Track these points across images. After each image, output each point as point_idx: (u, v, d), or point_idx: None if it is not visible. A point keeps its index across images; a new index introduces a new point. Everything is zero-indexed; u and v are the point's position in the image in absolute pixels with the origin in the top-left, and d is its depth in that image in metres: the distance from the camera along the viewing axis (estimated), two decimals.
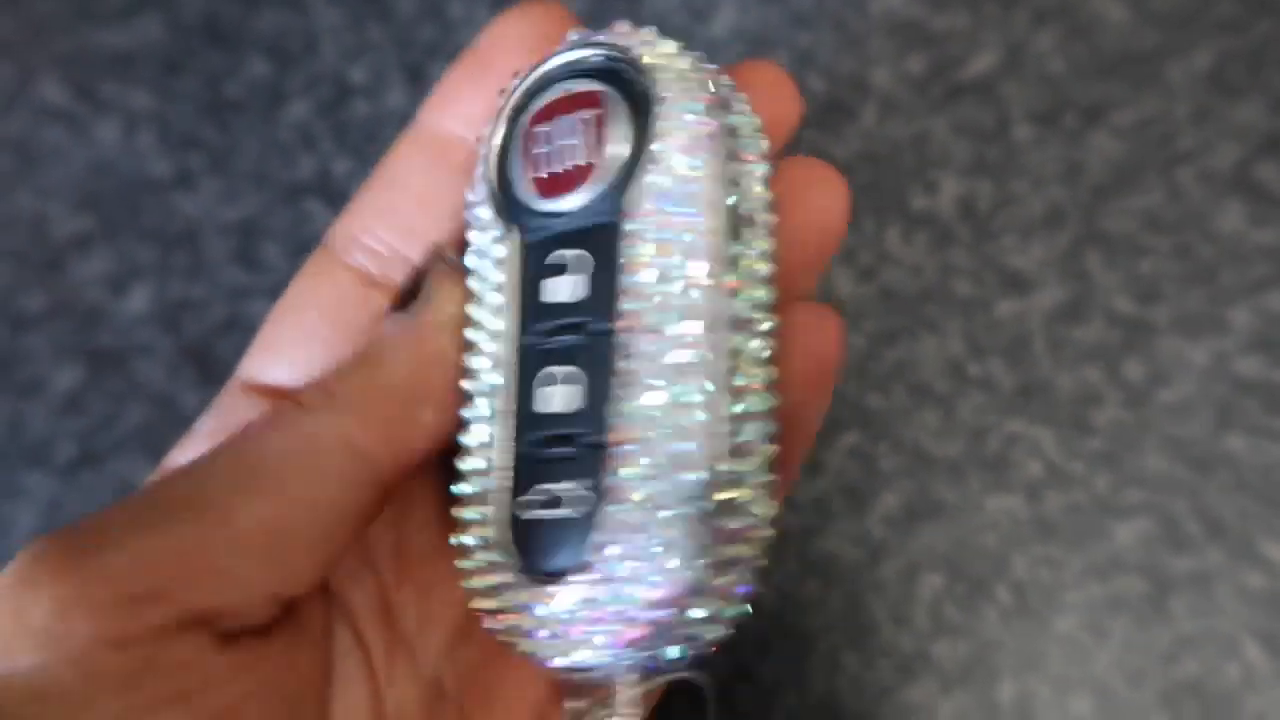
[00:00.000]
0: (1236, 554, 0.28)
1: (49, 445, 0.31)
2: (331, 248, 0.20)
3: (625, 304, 0.16)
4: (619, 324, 0.16)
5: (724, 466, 0.16)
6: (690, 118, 0.16)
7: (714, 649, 0.16)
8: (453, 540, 0.18)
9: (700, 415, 0.16)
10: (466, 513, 0.17)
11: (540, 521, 0.16)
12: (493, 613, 0.17)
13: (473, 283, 0.18)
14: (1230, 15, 0.33)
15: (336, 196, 0.34)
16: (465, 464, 0.18)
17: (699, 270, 0.16)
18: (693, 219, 0.16)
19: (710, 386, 0.16)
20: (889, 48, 0.34)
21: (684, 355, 0.16)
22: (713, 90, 0.17)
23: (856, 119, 0.33)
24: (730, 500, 0.16)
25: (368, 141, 0.34)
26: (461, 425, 0.18)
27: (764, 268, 0.17)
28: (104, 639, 0.15)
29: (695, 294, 0.16)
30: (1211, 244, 0.31)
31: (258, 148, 0.34)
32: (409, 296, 0.18)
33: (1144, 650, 0.27)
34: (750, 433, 0.16)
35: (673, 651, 0.16)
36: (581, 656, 0.16)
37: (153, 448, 0.31)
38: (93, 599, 0.15)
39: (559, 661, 0.16)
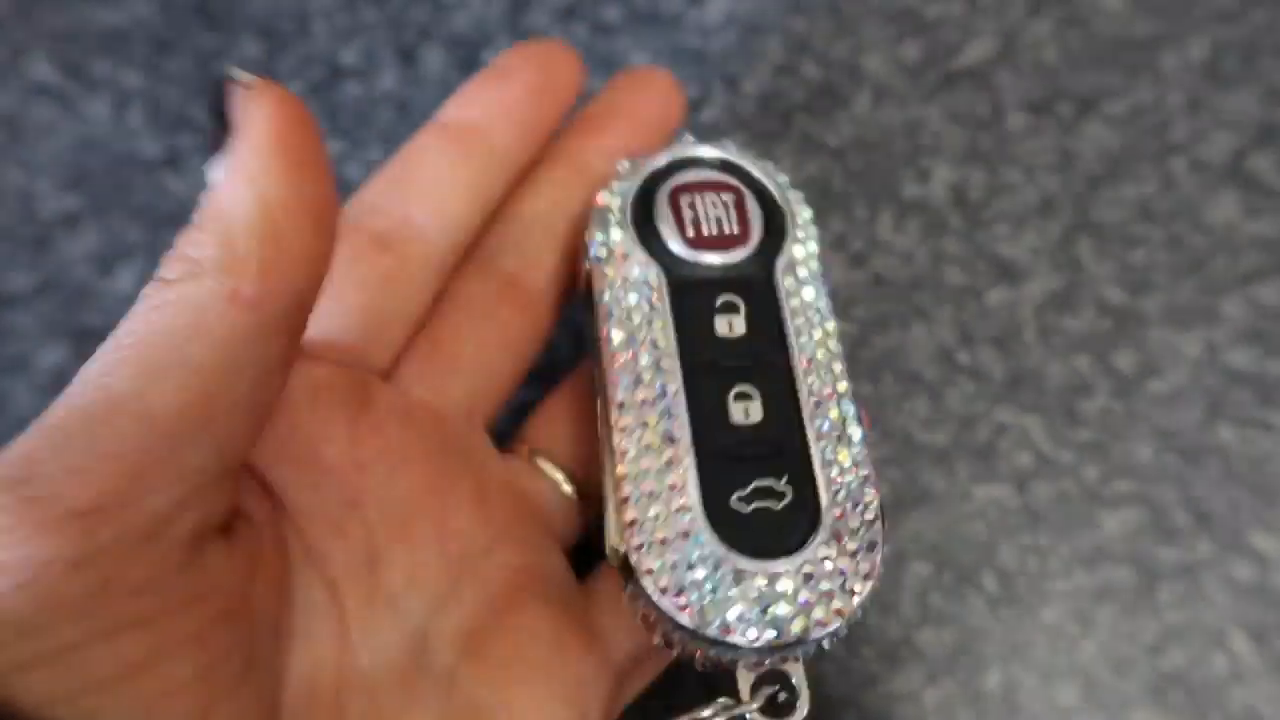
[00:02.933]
0: (1225, 545, 0.28)
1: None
2: (347, 214, 0.22)
3: (792, 342, 0.21)
4: (796, 358, 0.21)
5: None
6: (805, 216, 0.24)
7: None
8: (640, 558, 0.19)
9: (856, 438, 0.21)
10: (652, 511, 0.19)
11: (757, 512, 0.19)
12: (699, 597, 0.19)
13: (614, 307, 0.22)
14: (1225, 5, 0.32)
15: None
16: (649, 471, 0.20)
17: (827, 310, 0.22)
18: (817, 288, 0.22)
19: (858, 429, 0.21)
20: (884, 34, 0.34)
21: (840, 387, 0.21)
22: (808, 210, 0.24)
23: (850, 105, 0.33)
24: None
25: (359, 124, 0.34)
26: (622, 436, 0.20)
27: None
28: (59, 560, 0.14)
29: (832, 344, 0.22)
30: (1204, 234, 0.31)
31: None
32: (220, 136, 0.17)
33: (1131, 640, 0.27)
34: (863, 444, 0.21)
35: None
36: (798, 628, 0.19)
37: None
38: (40, 521, 0.14)
39: (777, 639, 0.19)
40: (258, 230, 0.16)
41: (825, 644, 0.19)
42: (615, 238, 0.22)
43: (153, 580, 0.15)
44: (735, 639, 0.18)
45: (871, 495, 0.20)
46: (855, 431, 0.21)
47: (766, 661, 0.19)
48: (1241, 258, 0.30)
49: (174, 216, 0.33)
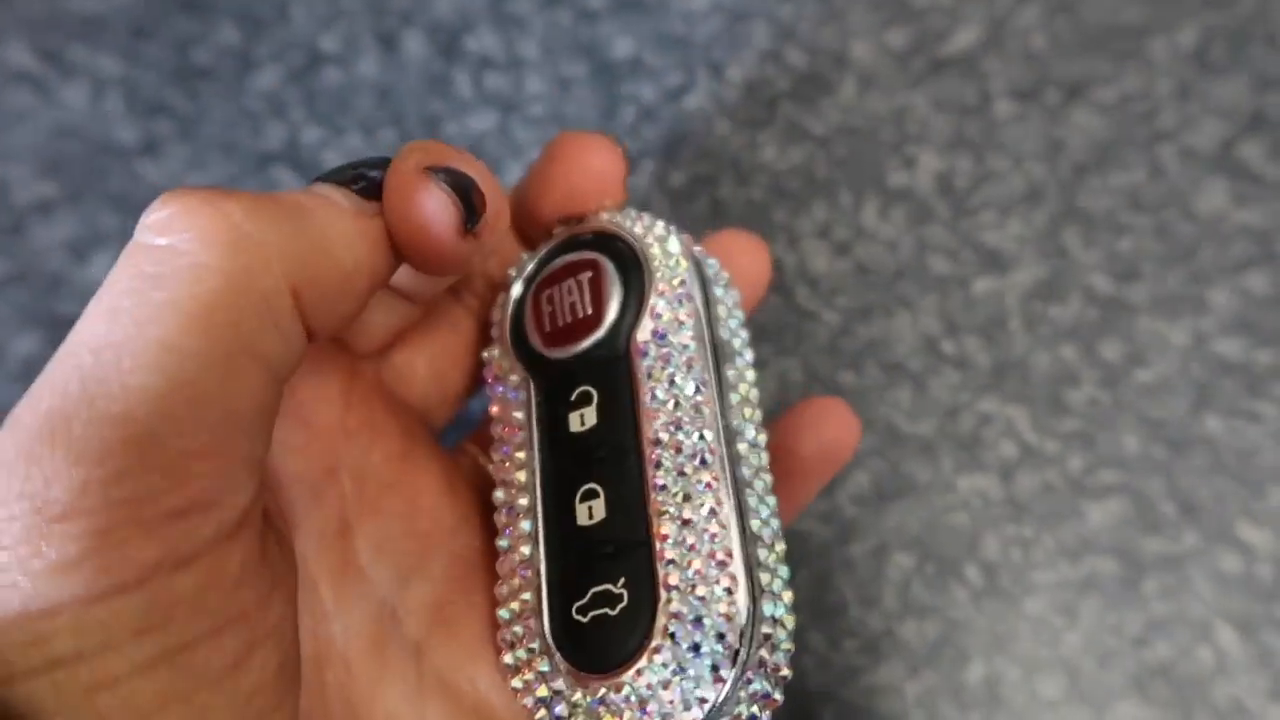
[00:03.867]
0: (1211, 536, 0.27)
1: (5, 412, 0.30)
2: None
3: (644, 424, 0.19)
4: (644, 439, 0.19)
5: (762, 584, 0.18)
6: (674, 279, 0.20)
7: None
8: (506, 659, 0.19)
9: (724, 532, 0.18)
10: (513, 630, 0.19)
11: (595, 621, 0.18)
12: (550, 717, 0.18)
13: (496, 428, 0.21)
14: None
15: (306, 165, 0.33)
16: (506, 586, 0.19)
17: (693, 389, 0.19)
18: (685, 352, 0.19)
19: (726, 494, 0.18)
20: (870, 21, 0.33)
21: (701, 461, 0.18)
22: (687, 254, 0.20)
23: (836, 92, 0.33)
24: (765, 614, 0.18)
25: (338, 110, 0.33)
26: (499, 553, 0.20)
27: (749, 390, 0.20)
28: (167, 560, 0.14)
29: (698, 411, 0.19)
30: (1192, 223, 0.30)
31: (226, 115, 0.34)
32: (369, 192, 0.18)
33: (1115, 632, 0.27)
34: (768, 544, 0.18)
35: None
36: None
37: None
38: (139, 521, 0.13)
39: None
40: (314, 239, 0.16)
41: None
42: (495, 354, 0.21)
43: (246, 574, 0.15)
44: None
45: (728, 589, 0.17)
46: (715, 562, 0.18)
47: None
48: (1230, 247, 0.30)
49: (149, 203, 0.33)
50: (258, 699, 0.15)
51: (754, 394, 0.20)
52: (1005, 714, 0.27)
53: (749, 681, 0.17)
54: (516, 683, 0.19)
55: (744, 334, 0.21)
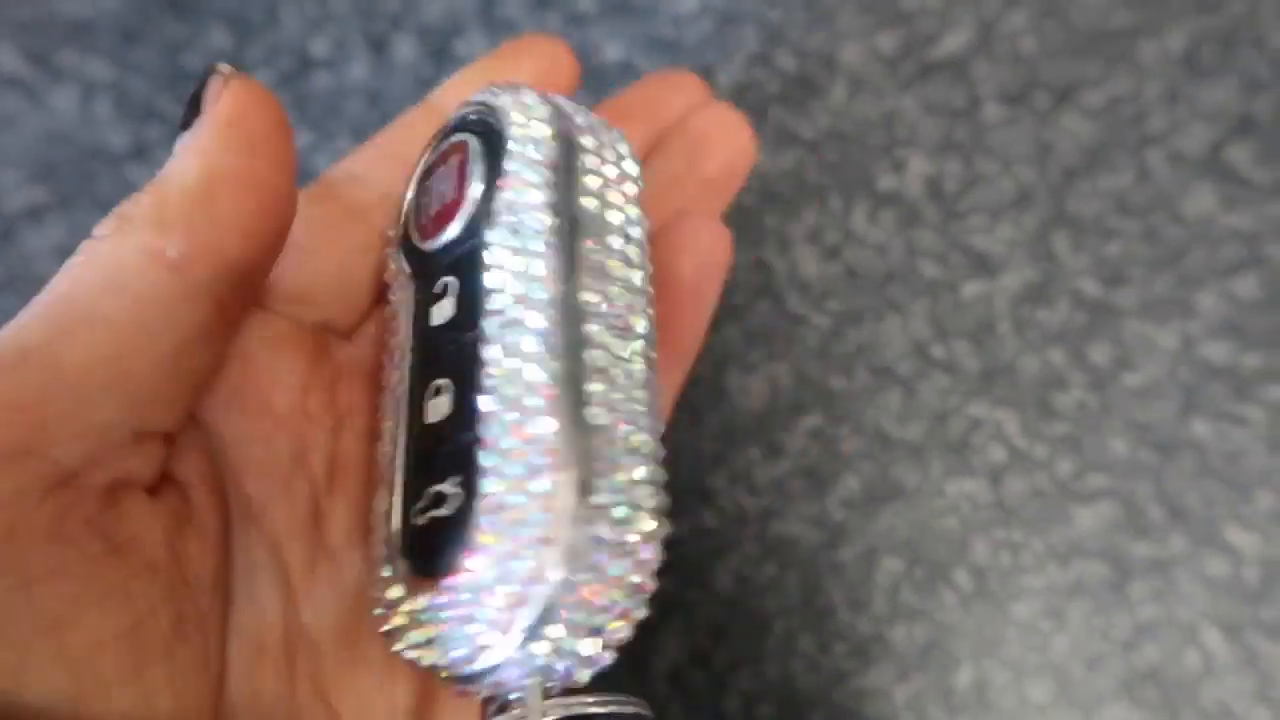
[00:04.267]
0: (1199, 540, 0.28)
1: None
2: (329, 178, 0.22)
3: (484, 311, 0.17)
4: (486, 336, 0.17)
5: (598, 480, 0.16)
6: (532, 150, 0.18)
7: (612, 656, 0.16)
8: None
9: (550, 421, 0.16)
10: (375, 535, 0.18)
11: (429, 524, 0.17)
12: (390, 627, 0.17)
13: (389, 334, 0.20)
14: None
15: (297, 171, 0.33)
16: (378, 494, 0.18)
17: (539, 270, 0.17)
18: (536, 232, 0.18)
19: (553, 384, 0.16)
20: (860, 24, 0.33)
21: (530, 350, 0.17)
22: (555, 125, 0.19)
23: (825, 96, 0.33)
24: (604, 513, 0.16)
25: (329, 114, 0.33)
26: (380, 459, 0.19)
27: (622, 270, 0.19)
28: None
29: (540, 293, 0.17)
30: (1181, 227, 0.30)
31: None
32: (192, 116, 0.17)
33: (1103, 636, 0.27)
34: (621, 439, 0.17)
35: (559, 669, 0.16)
36: (464, 655, 0.16)
37: None
38: None
39: (442, 661, 0.16)
40: (193, 195, 0.16)
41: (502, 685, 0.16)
42: (390, 255, 0.20)
43: (63, 530, 0.15)
44: (419, 664, 0.16)
45: (547, 490, 0.16)
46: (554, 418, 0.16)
47: (476, 692, 0.16)
48: (1218, 250, 0.30)
49: None
50: (95, 658, 0.15)
51: (627, 271, 0.19)
52: (994, 717, 0.27)
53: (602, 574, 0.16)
54: (372, 593, 0.17)
55: (630, 211, 0.19)
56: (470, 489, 0.16)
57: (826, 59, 0.33)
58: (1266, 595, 0.27)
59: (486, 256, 0.17)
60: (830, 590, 0.28)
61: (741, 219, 0.32)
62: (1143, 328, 0.29)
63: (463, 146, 0.19)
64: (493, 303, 0.17)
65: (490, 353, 0.17)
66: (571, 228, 0.18)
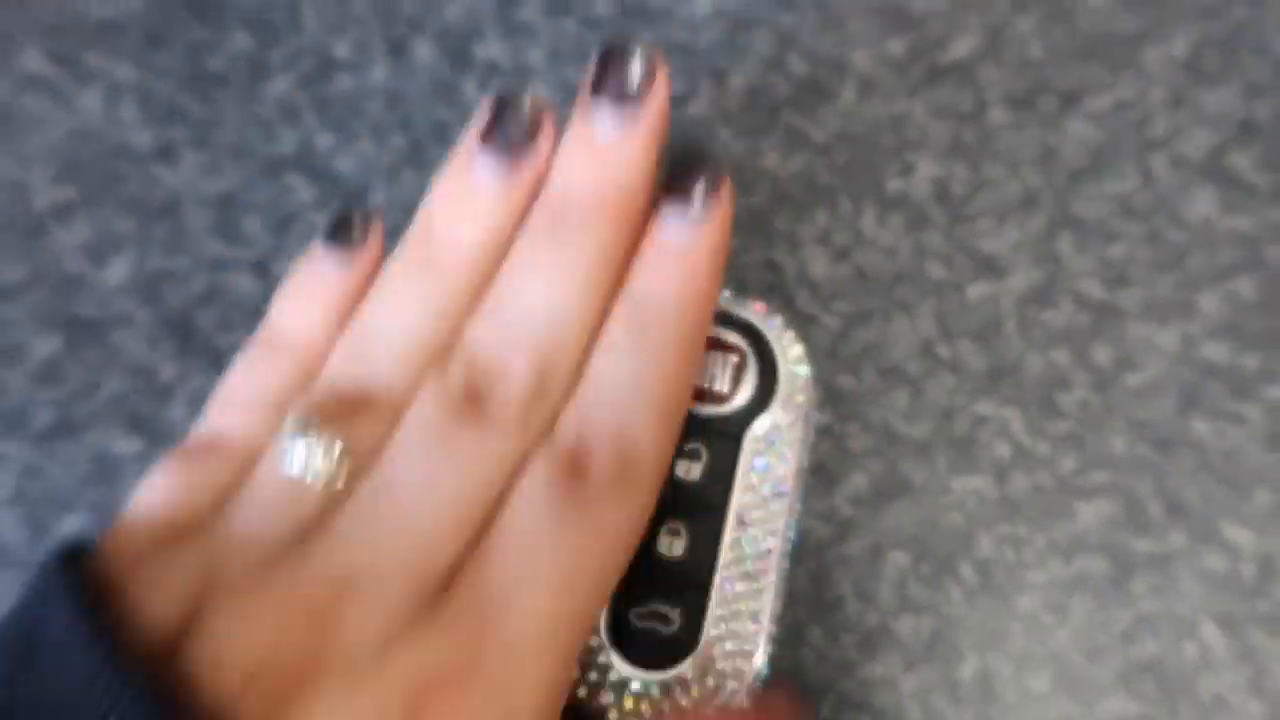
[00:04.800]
0: (1197, 537, 0.28)
1: (25, 413, 0.31)
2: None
3: (734, 500, 0.24)
4: (729, 513, 0.24)
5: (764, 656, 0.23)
6: (799, 397, 0.25)
7: None
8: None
9: (762, 607, 0.23)
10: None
11: (649, 632, 0.23)
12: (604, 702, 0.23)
13: None
14: (1208, 0, 0.33)
15: (319, 171, 0.34)
16: None
17: (777, 494, 0.24)
18: (783, 463, 0.24)
19: (772, 601, 0.23)
20: (870, 29, 0.34)
21: (765, 553, 0.24)
22: (810, 383, 0.25)
23: (835, 100, 0.33)
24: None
25: (351, 116, 0.34)
26: None
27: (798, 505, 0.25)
28: None
29: (775, 515, 0.24)
30: (1182, 230, 0.31)
31: (240, 121, 0.34)
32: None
33: (1104, 629, 0.28)
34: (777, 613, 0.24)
35: None
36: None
37: (131, 418, 0.31)
38: None
39: None
40: None
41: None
42: None
43: None
44: (601, 705, 0.23)
45: (745, 668, 0.23)
46: (750, 627, 0.23)
47: None
48: (1219, 253, 0.31)
49: (165, 207, 0.34)
50: None
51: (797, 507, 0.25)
52: (997, 708, 0.27)
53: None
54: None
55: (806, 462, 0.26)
56: (690, 625, 0.23)
57: (837, 63, 0.34)
58: (1262, 590, 0.28)
59: (744, 466, 0.24)
60: (839, 583, 0.29)
61: (753, 221, 0.32)
62: (1144, 328, 0.30)
63: (743, 355, 0.25)
64: (740, 500, 0.24)
65: (732, 543, 0.24)
66: (799, 473, 0.25)
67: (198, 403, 0.31)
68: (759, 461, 0.24)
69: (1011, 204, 0.32)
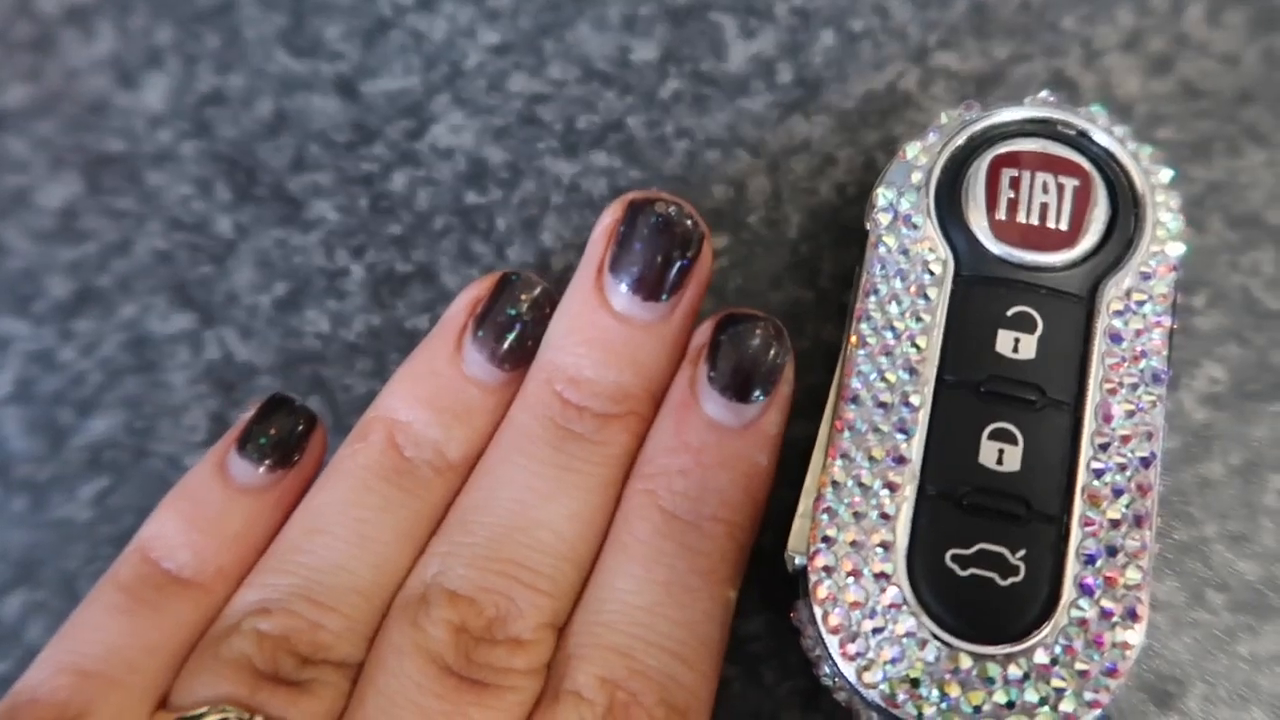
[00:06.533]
0: None
1: (35, 282, 0.23)
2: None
3: (1090, 390, 0.17)
4: (1092, 411, 0.17)
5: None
6: (1170, 247, 0.18)
7: None
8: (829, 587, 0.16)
9: (1146, 540, 0.16)
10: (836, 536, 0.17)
11: (977, 580, 0.16)
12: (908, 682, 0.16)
13: (880, 285, 0.18)
14: None
15: None
16: (839, 496, 0.17)
17: (1152, 378, 0.17)
18: (1154, 330, 0.17)
19: (1152, 509, 0.16)
20: None
21: (1142, 463, 0.17)
22: (1180, 222, 0.18)
23: None
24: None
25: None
26: (833, 444, 0.17)
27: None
28: None
29: (1153, 407, 0.17)
30: None
31: None
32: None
33: None
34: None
35: None
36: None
37: (175, 287, 0.23)
38: None
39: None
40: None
41: None
42: (907, 202, 0.19)
43: None
44: (899, 713, 0.16)
45: (1130, 618, 0.16)
46: (1136, 538, 0.16)
47: None
48: None
49: (216, 10, 0.25)
50: None
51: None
52: None
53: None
54: (832, 592, 0.16)
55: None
56: (1038, 576, 0.16)
57: None
58: None
59: (1098, 337, 0.17)
60: (1199, 520, 0.21)
61: (1029, 17, 0.23)
62: None
63: (1085, 176, 0.18)
64: (1098, 390, 0.17)
65: (1093, 448, 0.17)
66: (1170, 350, 0.18)
67: (265, 268, 0.23)
68: (1126, 333, 0.17)
69: None
